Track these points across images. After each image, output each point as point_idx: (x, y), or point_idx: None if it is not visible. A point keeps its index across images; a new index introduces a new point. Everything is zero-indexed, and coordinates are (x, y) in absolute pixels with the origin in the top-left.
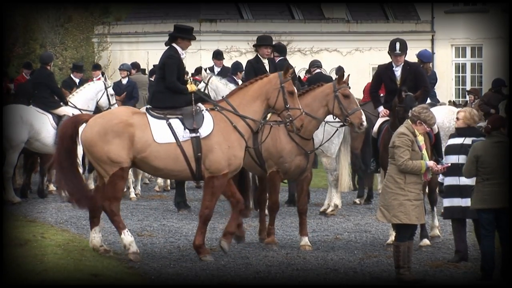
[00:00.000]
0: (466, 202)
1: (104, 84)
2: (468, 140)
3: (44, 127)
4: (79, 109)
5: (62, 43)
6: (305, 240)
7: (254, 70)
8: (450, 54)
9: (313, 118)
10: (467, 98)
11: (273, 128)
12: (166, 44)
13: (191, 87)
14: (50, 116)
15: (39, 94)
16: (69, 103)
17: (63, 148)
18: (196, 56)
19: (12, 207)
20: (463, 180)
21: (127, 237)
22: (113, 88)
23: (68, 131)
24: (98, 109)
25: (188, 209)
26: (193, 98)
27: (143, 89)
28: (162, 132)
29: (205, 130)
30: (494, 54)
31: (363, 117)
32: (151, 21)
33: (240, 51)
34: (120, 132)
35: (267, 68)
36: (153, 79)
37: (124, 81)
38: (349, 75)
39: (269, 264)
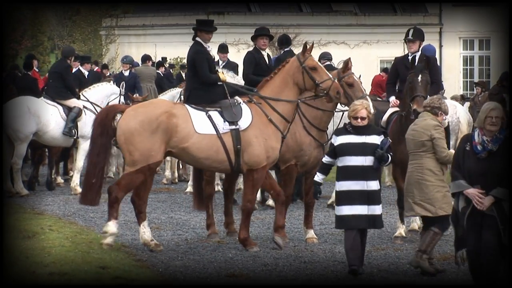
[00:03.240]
0: (373, 210)
1: (120, 91)
2: (370, 139)
3: (53, 119)
4: (91, 103)
5: (70, 35)
6: (311, 233)
7: (255, 60)
8: (458, 47)
9: (324, 111)
10: (475, 91)
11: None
12: (193, 39)
13: (222, 76)
14: (60, 107)
15: (53, 83)
16: (81, 97)
17: (96, 139)
18: None
19: (20, 199)
20: (371, 185)
21: (112, 227)
22: (114, 80)
23: (100, 119)
24: None
25: None
26: (226, 90)
27: (148, 81)
28: (203, 123)
29: (244, 122)
30: (502, 47)
31: (370, 104)
32: (158, 13)
33: (248, 43)
34: (164, 123)
35: (266, 60)
36: (160, 72)
37: (126, 73)
38: (349, 58)
39: (277, 257)
